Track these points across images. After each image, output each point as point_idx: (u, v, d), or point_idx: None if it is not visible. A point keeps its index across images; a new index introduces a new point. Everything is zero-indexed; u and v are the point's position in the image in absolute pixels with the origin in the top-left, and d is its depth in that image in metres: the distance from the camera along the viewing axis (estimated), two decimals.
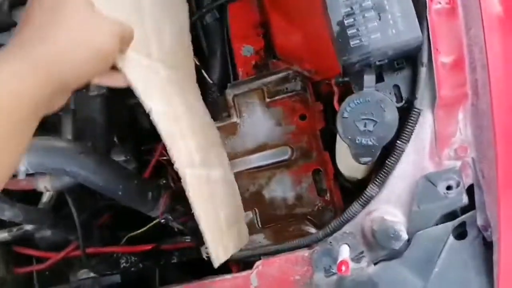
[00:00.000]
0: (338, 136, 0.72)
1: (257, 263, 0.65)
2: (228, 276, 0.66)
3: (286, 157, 0.91)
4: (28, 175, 0.78)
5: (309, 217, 0.88)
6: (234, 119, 0.96)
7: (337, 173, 0.86)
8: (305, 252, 0.64)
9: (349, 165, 0.73)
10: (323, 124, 0.90)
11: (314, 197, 0.88)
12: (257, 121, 0.95)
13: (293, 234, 0.87)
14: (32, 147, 0.73)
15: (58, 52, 0.46)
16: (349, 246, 0.61)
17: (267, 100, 0.95)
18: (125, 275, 0.94)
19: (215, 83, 1.03)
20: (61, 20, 0.47)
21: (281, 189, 0.90)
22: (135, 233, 1.02)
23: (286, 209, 0.89)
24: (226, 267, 0.88)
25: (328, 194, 0.88)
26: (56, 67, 0.46)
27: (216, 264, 0.64)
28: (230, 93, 0.98)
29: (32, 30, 0.48)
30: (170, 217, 0.87)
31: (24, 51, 0.45)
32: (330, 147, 0.88)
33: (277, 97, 0.95)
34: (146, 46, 0.68)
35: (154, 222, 0.98)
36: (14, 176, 0.75)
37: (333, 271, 0.61)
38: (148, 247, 0.97)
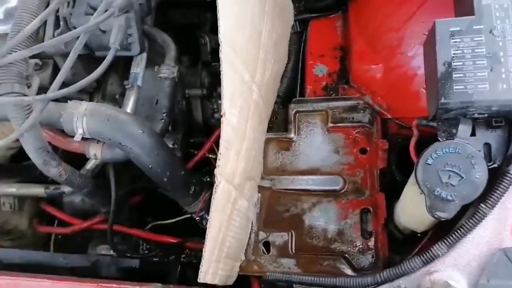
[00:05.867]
0: (409, 182, 0.67)
1: None
2: None
3: (337, 187, 0.86)
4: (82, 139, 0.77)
5: (346, 255, 0.82)
6: (291, 135, 0.93)
7: (389, 219, 0.81)
8: None
9: (415, 215, 0.68)
10: (385, 164, 0.85)
11: (356, 237, 0.83)
12: (314, 143, 0.92)
13: (326, 269, 0.81)
14: (94, 112, 0.72)
15: None
16: None
17: (330, 124, 0.92)
18: (144, 262, 0.91)
19: (280, 95, 1.00)
20: None
21: (324, 219, 0.85)
22: (162, 222, 1.00)
23: (324, 241, 0.84)
24: (247, 280, 0.84)
25: (373, 238, 0.82)
26: None
27: (201, 279, 0.62)
28: (293, 108, 0.95)
29: None
30: (206, 215, 0.83)
31: None
32: (386, 190, 0.83)
33: (340, 124, 0.91)
34: (254, 67, 0.72)
35: (185, 216, 0.95)
36: (71, 136, 0.75)
37: None
38: (174, 240, 0.94)
